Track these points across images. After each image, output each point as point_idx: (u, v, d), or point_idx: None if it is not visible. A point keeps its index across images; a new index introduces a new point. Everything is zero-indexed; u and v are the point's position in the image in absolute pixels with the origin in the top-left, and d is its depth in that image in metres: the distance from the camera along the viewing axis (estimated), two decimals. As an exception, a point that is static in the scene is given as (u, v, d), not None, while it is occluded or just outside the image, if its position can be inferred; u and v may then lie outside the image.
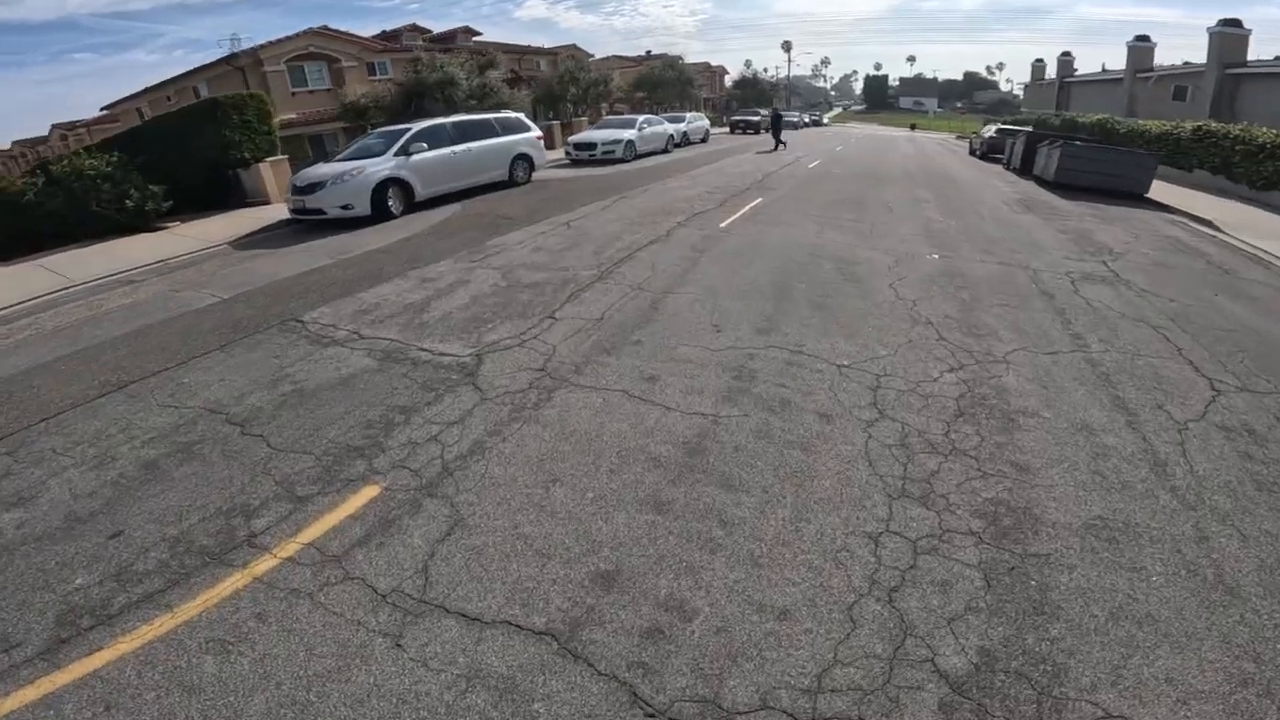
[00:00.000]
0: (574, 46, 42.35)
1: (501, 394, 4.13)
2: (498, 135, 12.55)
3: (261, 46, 23.58)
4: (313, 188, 9.84)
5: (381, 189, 10.06)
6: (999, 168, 19.08)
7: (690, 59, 50.65)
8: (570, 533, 2.91)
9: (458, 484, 3.28)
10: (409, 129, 10.99)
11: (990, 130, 24.10)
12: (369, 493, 3.26)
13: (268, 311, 6.08)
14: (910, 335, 4.98)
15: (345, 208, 9.78)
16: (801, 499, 3.10)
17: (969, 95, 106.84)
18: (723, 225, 8.93)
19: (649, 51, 55.60)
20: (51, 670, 2.30)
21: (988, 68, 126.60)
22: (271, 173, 13.59)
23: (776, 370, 4.37)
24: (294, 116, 24.05)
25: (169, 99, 25.22)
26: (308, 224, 10.34)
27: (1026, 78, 48.45)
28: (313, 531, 2.99)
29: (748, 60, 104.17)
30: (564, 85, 29.55)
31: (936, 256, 7.41)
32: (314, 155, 23.94)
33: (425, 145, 10.76)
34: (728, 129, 36.71)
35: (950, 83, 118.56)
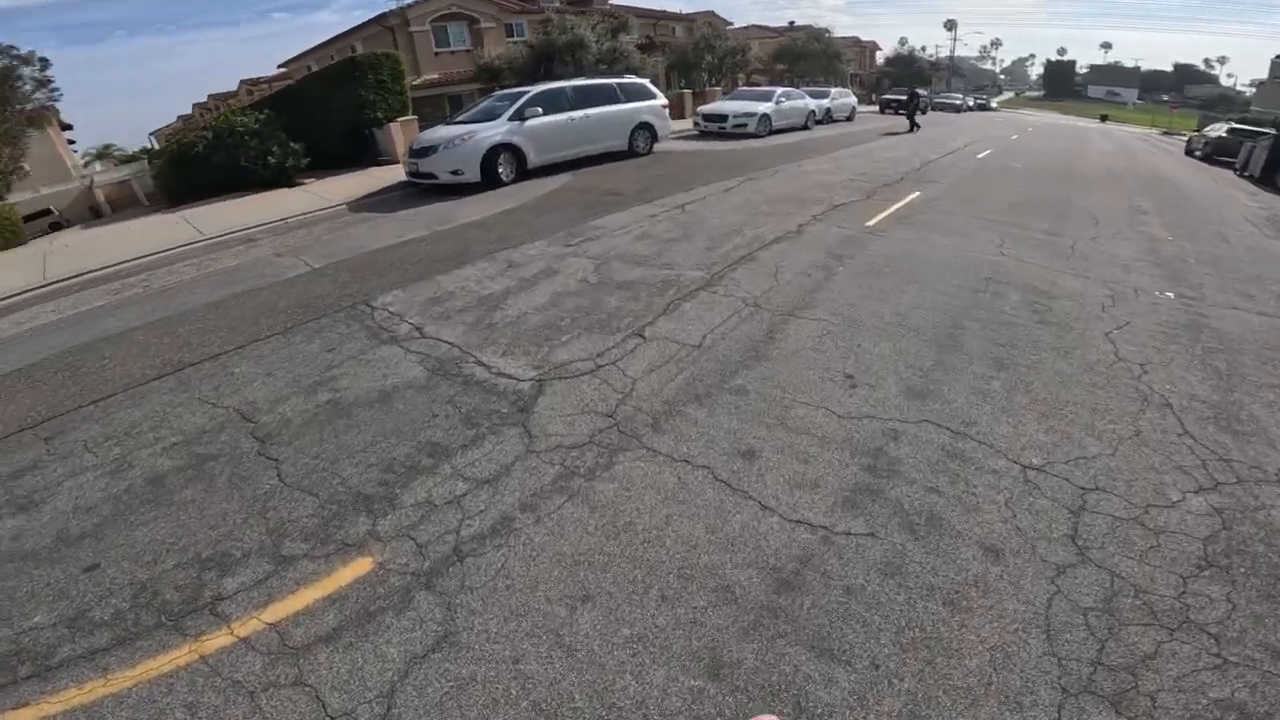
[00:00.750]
0: (711, 13, 40.22)
1: (553, 447, 3.25)
2: (619, 102, 11.58)
3: (409, 6, 24.13)
4: (426, 151, 9.53)
5: (492, 155, 9.53)
6: (1229, 174, 15.25)
7: (838, 34, 46.55)
8: (585, 686, 2.02)
9: (464, 577, 2.48)
10: (526, 92, 10.33)
11: (1219, 129, 19.62)
12: (360, 567, 2.57)
13: (344, 291, 5.66)
14: (1138, 423, 3.43)
15: (455, 173, 9.37)
16: (926, 687, 1.99)
17: (1179, 88, 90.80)
18: (869, 224, 7.37)
19: (792, 22, 51.91)
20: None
21: (1206, 60, 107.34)
22: (401, 133, 13.65)
23: (929, 462, 3.09)
24: (435, 76, 24.58)
25: (331, 57, 26.78)
26: (421, 188, 10.11)
27: (1254, 74, 39.24)
28: (282, 608, 2.39)
29: (903, 37, 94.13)
30: (699, 53, 28.00)
31: (1172, 296, 5.45)
32: (450, 116, 24.44)
33: (540, 110, 10.06)
34: (877, 108, 33.17)
35: (1156, 74, 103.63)
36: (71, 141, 40.39)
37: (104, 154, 44.44)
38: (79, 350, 5.01)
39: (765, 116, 16.36)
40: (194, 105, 42.13)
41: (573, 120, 10.65)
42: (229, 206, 11.28)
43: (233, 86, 40.30)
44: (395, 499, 2.94)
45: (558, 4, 32.08)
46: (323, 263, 6.69)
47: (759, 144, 15.22)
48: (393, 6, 24.54)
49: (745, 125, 16.07)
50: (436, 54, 25.64)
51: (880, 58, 61.27)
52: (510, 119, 9.84)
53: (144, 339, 5.05)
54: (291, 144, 12.77)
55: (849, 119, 24.12)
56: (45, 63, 17.79)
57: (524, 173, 10.18)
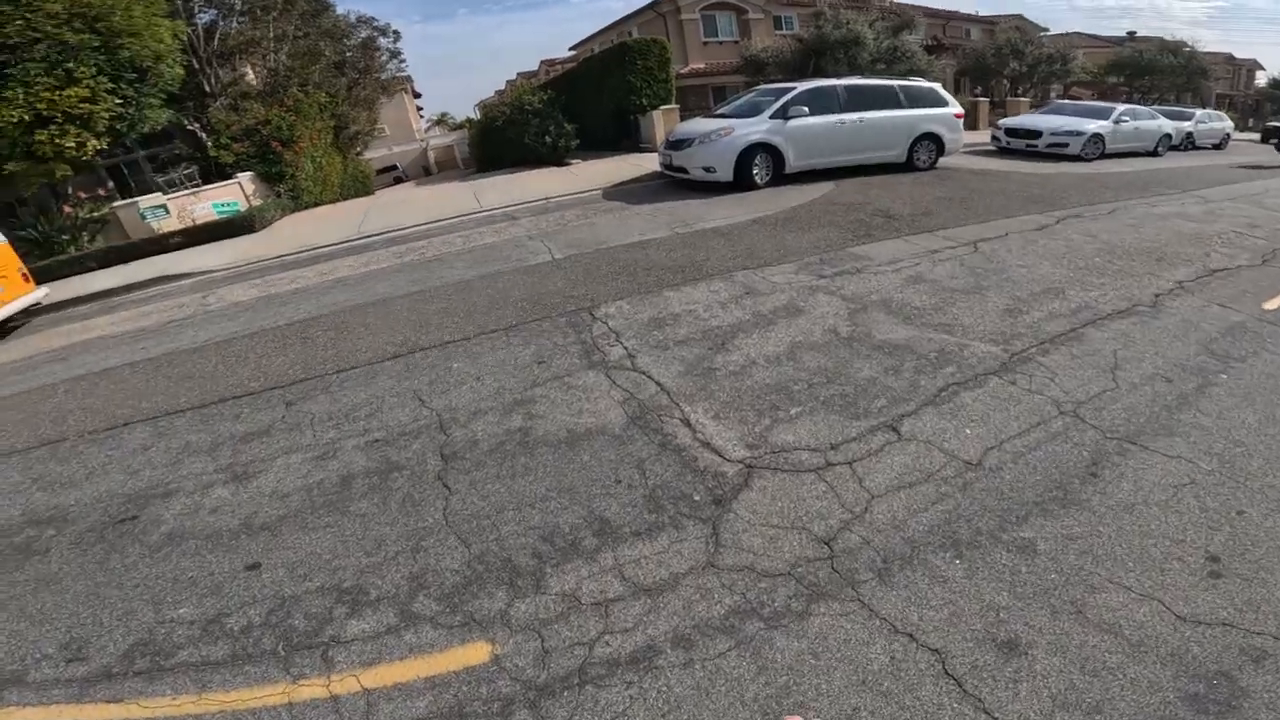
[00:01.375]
0: (1020, 17, 34.36)
1: (740, 567, 2.41)
2: (900, 106, 9.87)
3: (681, -8, 24.27)
4: (681, 144, 9.14)
5: (748, 155, 8.77)
6: None
7: (1200, 49, 36.62)
8: None
9: (576, 710, 1.84)
10: (792, 89, 9.30)
11: None
12: (476, 653, 2.14)
13: (573, 290, 5.44)
14: None
15: (708, 170, 8.84)
16: None
17: None
18: (1269, 308, 4.98)
19: (1132, 33, 41.77)
20: (70, 703, 2.10)
21: None
22: (662, 121, 13.63)
23: None
24: (702, 66, 24.60)
25: (612, 41, 28.52)
26: (671, 181, 9.81)
27: None
28: (384, 674, 2.10)
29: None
30: (1001, 58, 23.79)
31: None
32: (712, 107, 24.36)
33: (807, 109, 8.97)
34: (1257, 137, 24.87)
35: None
36: (420, 108, 50.37)
37: (440, 120, 54.67)
38: (351, 311, 5.55)
39: (1096, 137, 12.91)
40: (506, 81, 49.08)
41: (843, 124, 9.34)
42: (507, 180, 12.40)
43: (536, 65, 45.66)
44: (542, 580, 2.40)
45: (830, -1, 30.08)
46: (564, 253, 6.66)
47: (1084, 170, 12.04)
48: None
49: (1066, 145, 12.88)
50: (705, 43, 25.68)
51: (1262, 78, 48.29)
52: (772, 116, 8.95)
53: (399, 311, 5.39)
54: (566, 125, 13.55)
55: (1218, 147, 18.38)
56: (397, 35, 21.37)
57: (781, 176, 9.24)
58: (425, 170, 39.90)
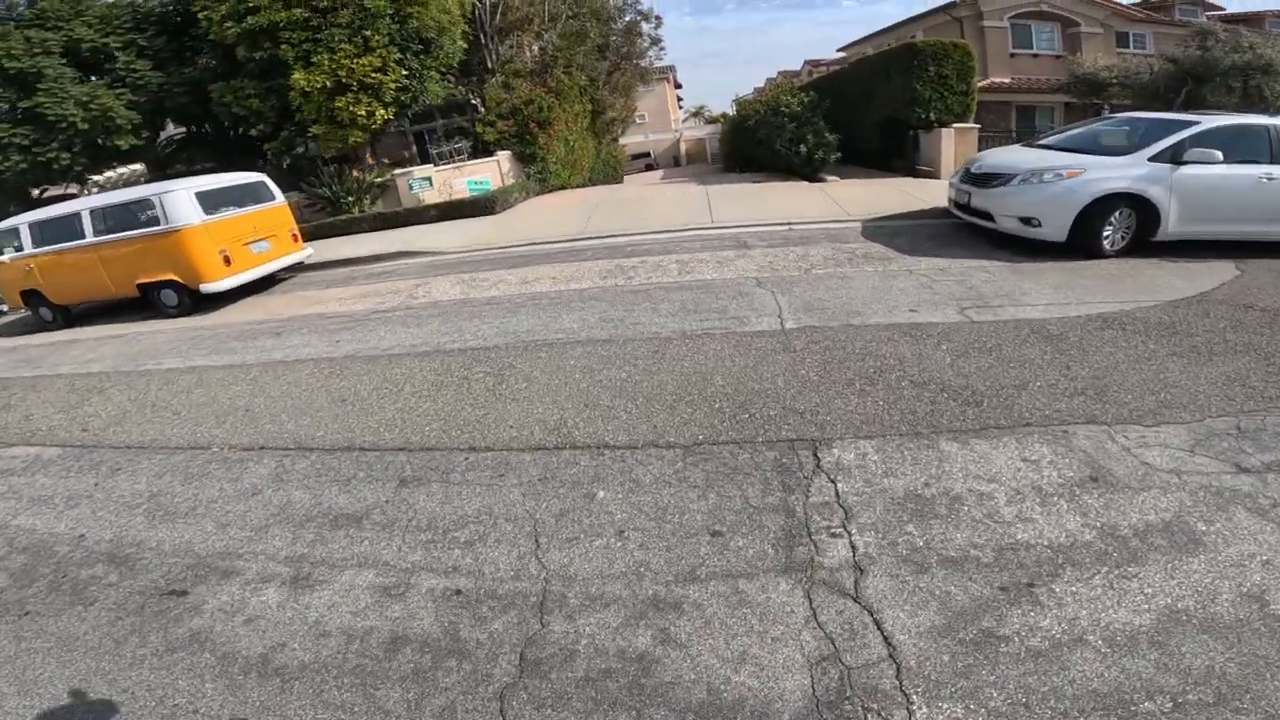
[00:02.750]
0: None
1: None
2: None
3: (985, -4, 20.11)
4: (990, 179, 6.69)
5: (1099, 208, 6.02)
6: None
7: None
8: None
9: None
10: (1192, 123, 6.14)
11: None
12: None
13: (796, 398, 3.78)
14: None
15: (1027, 222, 6.31)
16: None
17: None
18: None
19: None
20: None
21: None
22: (954, 142, 10.86)
23: None
24: (1007, 80, 20.43)
25: (889, 45, 25.00)
26: (963, 226, 7.41)
27: None
28: None
29: None
30: None
31: None
32: (1017, 130, 19.94)
33: (1219, 155, 5.82)
34: None
35: None
36: (680, 99, 51.23)
37: (697, 112, 55.23)
38: (525, 350, 4.73)
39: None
40: (766, 79, 47.25)
41: (1272, 180, 5.96)
42: (749, 190, 10.94)
43: (798, 65, 43.07)
44: None
45: (1204, 19, 22.69)
46: (797, 320, 5.01)
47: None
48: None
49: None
50: (1013, 54, 21.48)
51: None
52: (1153, 158, 6.00)
53: (573, 366, 4.36)
54: (826, 134, 11.56)
55: None
56: (659, 20, 20.97)
57: (1142, 243, 6.28)
58: (675, 160, 40.46)
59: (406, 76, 11.49)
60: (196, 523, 3.21)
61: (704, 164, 35.22)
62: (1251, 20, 25.07)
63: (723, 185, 12.18)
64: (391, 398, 4.30)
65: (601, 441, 3.41)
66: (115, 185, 15.11)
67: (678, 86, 48.10)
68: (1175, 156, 6.00)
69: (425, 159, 14.61)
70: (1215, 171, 5.95)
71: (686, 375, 4.15)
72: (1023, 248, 6.49)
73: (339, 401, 4.39)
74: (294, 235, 9.25)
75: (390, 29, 11.01)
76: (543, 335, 5.20)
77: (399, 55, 11.22)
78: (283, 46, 10.73)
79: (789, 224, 8.37)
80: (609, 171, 21.35)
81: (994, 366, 4.10)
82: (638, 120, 40.37)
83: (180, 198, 7.33)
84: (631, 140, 39.01)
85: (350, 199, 12.52)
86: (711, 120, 44.68)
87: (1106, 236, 6.15)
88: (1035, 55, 22.07)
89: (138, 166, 15.65)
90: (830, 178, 11.48)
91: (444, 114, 16.40)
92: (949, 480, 2.96)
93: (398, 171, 13.03)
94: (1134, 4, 24.52)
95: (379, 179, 12.94)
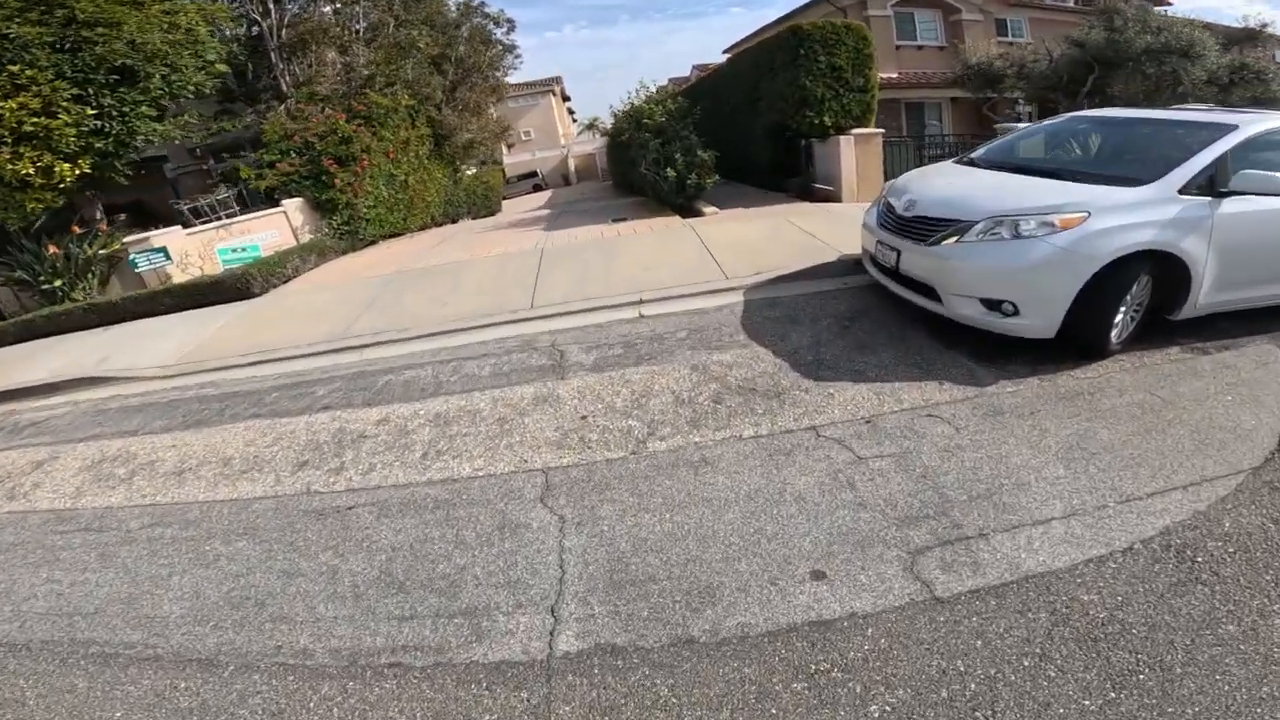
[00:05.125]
0: None
1: None
2: None
3: (868, -16, 18.81)
4: (927, 227, 4.10)
5: (1112, 278, 3.53)
6: None
7: None
8: None
9: None
10: (1231, 127, 3.78)
11: None
12: None
13: None
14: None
15: (994, 307, 3.73)
16: None
17: None
18: None
19: None
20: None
21: None
22: (854, 153, 8.54)
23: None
24: (894, 76, 19.12)
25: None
26: (892, 300, 4.85)
27: None
28: None
29: None
30: None
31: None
32: (907, 129, 18.43)
33: None
34: None
35: None
36: (571, 111, 48.37)
37: (592, 125, 52.26)
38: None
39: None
40: (658, 88, 45.16)
41: None
42: (600, 239, 8.12)
43: (684, 72, 41.33)
44: None
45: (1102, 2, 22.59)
46: (588, 622, 2.29)
47: None
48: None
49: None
50: (898, 47, 20.36)
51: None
52: (1185, 187, 3.59)
53: None
54: (700, 151, 8.98)
55: None
56: (511, 24, 18.15)
57: (1156, 320, 3.89)
58: (565, 179, 37.52)
59: (96, 117, 7.97)
60: None
61: (594, 181, 32.51)
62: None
63: (571, 231, 9.34)
64: None
65: None
66: None
67: (566, 99, 45.20)
68: (1215, 184, 3.64)
69: (187, 217, 10.91)
70: (1273, 206, 3.63)
71: None
72: (986, 343, 3.97)
73: None
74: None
75: (56, 60, 7.50)
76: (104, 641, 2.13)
77: (76, 91, 7.71)
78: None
79: (639, 302, 5.61)
80: (475, 201, 18.13)
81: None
82: (523, 137, 37.26)
83: None
84: (516, 160, 35.79)
85: (57, 282, 8.75)
86: (605, 133, 41.95)
87: (1116, 324, 3.70)
88: (920, 47, 21.04)
89: None
90: (709, 208, 8.90)
91: (233, 153, 12.76)
92: None
93: (131, 239, 9.36)
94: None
95: (105, 249, 9.23)
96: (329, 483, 3.71)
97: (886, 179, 8.71)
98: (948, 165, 5.27)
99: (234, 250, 9.14)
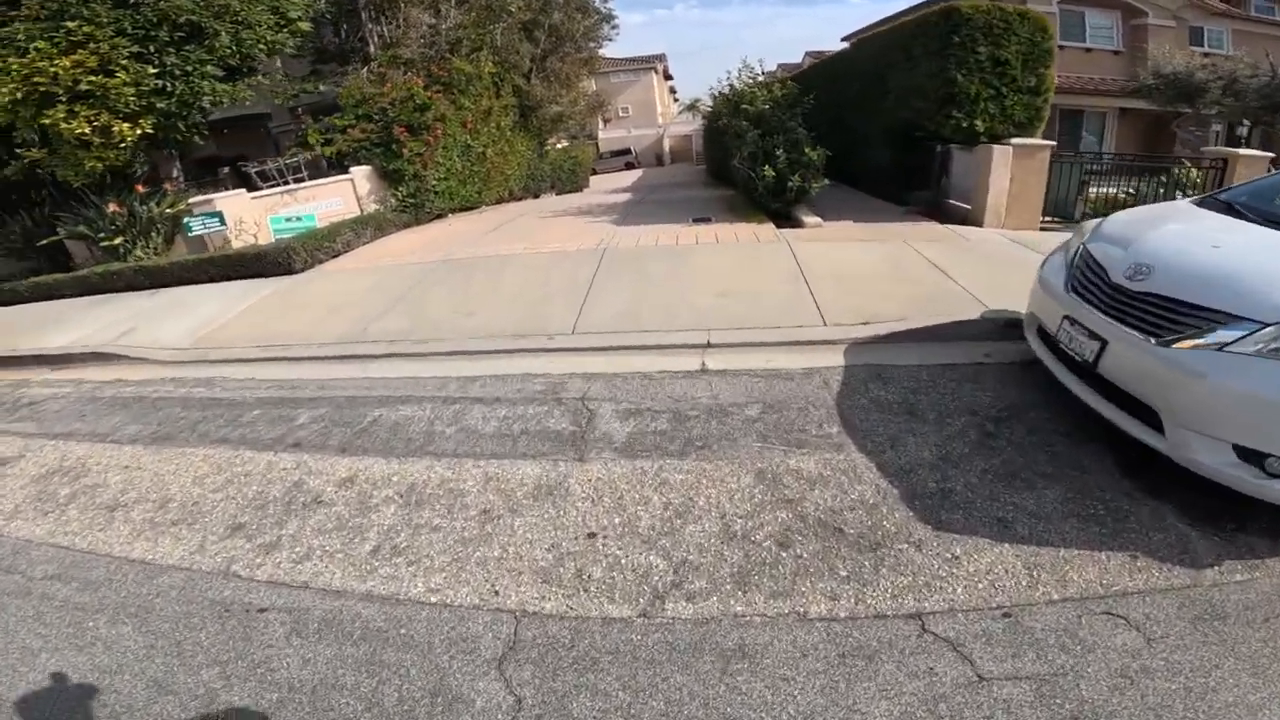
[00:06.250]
0: None
1: None
2: None
3: (1030, -24, 15.87)
4: (1159, 311, 2.53)
5: None
6: None
7: None
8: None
9: None
10: None
11: None
12: None
13: None
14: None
15: (1258, 461, 2.19)
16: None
17: None
18: None
19: None
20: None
21: None
22: (1009, 168, 6.76)
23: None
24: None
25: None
26: (1066, 403, 3.27)
27: None
28: None
29: None
30: None
31: None
32: (1060, 142, 15.59)
33: None
34: None
35: None
36: (673, 90, 46.58)
37: (692, 106, 50.29)
38: None
39: None
40: (765, 73, 42.43)
41: None
42: (674, 245, 6.80)
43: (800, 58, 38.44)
44: None
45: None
46: None
47: None
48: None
49: None
50: (1061, 47, 17.25)
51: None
52: None
53: None
54: (809, 149, 7.44)
55: None
56: None
57: None
58: (658, 159, 36.11)
59: (158, 76, 7.52)
60: None
61: (688, 164, 30.91)
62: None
63: (643, 228, 8.08)
64: None
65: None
66: None
67: (668, 78, 43.47)
68: None
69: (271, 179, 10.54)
70: None
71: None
72: (1211, 494, 2.43)
73: None
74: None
75: (116, 16, 7.05)
76: None
77: (137, 49, 7.27)
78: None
79: (705, 346, 4.35)
80: (561, 177, 17.28)
81: None
82: (620, 114, 36.11)
83: None
84: (611, 135, 34.73)
85: (118, 240, 8.55)
86: (703, 116, 39.98)
87: None
88: (1088, 50, 18.26)
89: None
90: (811, 218, 7.39)
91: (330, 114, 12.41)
92: None
93: (196, 199, 9.05)
94: (1215, -4, 20.37)
95: (171, 209, 8.97)
96: (254, 563, 2.82)
97: (1047, 204, 6.86)
98: (1186, 207, 3.55)
99: (287, 219, 8.61)
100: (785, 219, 7.66)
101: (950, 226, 6.89)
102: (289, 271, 7.49)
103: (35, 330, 7.14)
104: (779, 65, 38.45)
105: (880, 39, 8.87)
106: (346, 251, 8.46)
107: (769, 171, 7.29)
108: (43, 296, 8.58)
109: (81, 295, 8.26)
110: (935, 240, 6.35)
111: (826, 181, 7.60)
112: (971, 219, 6.94)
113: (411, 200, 10.29)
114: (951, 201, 7.44)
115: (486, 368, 4.47)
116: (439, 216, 11.05)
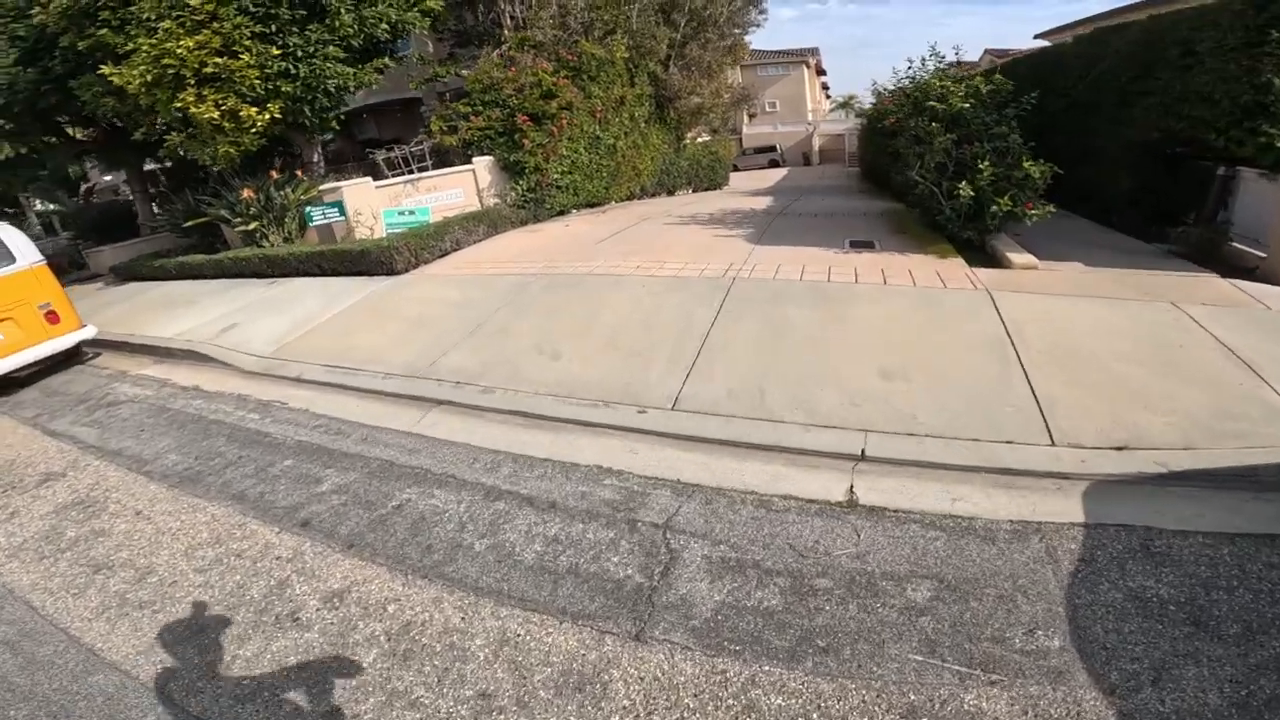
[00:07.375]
0: None
1: None
2: None
3: None
4: None
5: None
6: None
7: None
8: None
9: None
10: None
11: None
12: None
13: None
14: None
15: None
16: None
17: None
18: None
19: None
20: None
21: None
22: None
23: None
24: None
25: (1138, 21, 16.40)
26: None
27: None
28: None
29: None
30: None
31: None
32: None
33: None
34: None
35: None
36: (825, 86, 43.17)
37: (846, 104, 46.19)
38: None
39: None
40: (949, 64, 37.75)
41: None
42: (827, 285, 5.28)
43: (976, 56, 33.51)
44: None
45: None
46: None
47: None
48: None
49: None
50: None
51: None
52: None
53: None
54: (1027, 162, 5.56)
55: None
56: None
57: None
58: (805, 158, 33.46)
59: (282, 58, 7.31)
60: None
61: (838, 166, 28.15)
62: None
63: (784, 251, 6.58)
64: None
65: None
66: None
67: (821, 73, 40.23)
68: None
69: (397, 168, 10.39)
70: None
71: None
72: None
73: None
74: (50, 314, 6.09)
75: None
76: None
77: (259, 29, 7.08)
78: (101, 31, 7.13)
79: (858, 457, 2.96)
80: (699, 173, 16.09)
81: None
82: (767, 109, 33.95)
83: None
84: (756, 130, 32.72)
85: (252, 225, 8.68)
86: (862, 114, 36.32)
87: None
88: None
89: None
90: (1018, 255, 5.51)
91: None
92: None
93: (327, 187, 9.00)
94: None
95: (305, 195, 9.00)
96: (192, 687, 2.30)
97: None
98: None
99: (400, 213, 8.21)
100: (978, 252, 5.84)
101: (1237, 283, 4.74)
102: (391, 272, 7.01)
103: (163, 312, 7.29)
104: (950, 63, 34.02)
105: (1127, 33, 6.61)
106: (455, 250, 7.90)
107: (966, 190, 5.52)
108: (187, 276, 8.96)
109: (217, 278, 8.47)
110: (1220, 303, 4.32)
111: (1051, 208, 5.65)
112: (1270, 272, 4.74)
113: (531, 195, 9.60)
114: (1235, 245, 5.20)
115: (554, 444, 3.41)
116: (560, 213, 10.31)
